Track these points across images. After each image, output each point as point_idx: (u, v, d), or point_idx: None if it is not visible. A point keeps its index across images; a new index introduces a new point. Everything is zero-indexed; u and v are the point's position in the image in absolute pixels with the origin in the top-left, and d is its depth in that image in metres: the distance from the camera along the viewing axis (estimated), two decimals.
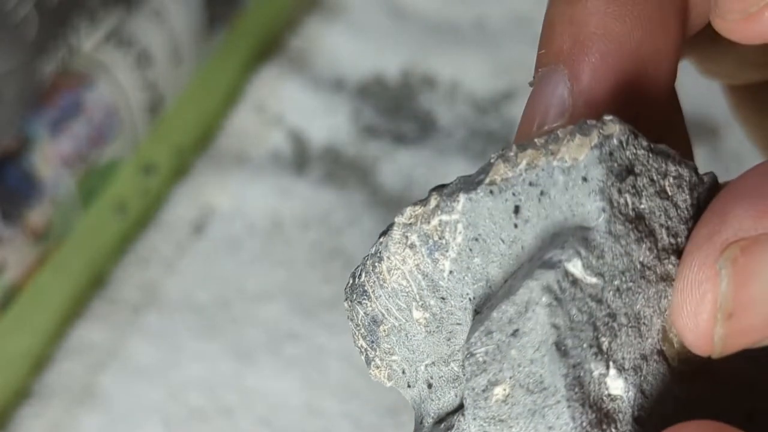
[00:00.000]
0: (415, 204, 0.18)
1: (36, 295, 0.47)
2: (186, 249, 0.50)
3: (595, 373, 0.17)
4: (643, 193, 0.17)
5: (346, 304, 0.20)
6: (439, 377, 0.19)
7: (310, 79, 0.56)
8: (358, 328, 0.19)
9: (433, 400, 0.19)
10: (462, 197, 0.18)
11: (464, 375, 0.17)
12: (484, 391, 0.17)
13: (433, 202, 0.18)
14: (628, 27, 0.18)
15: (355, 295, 0.19)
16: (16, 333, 0.46)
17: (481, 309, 0.18)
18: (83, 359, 0.46)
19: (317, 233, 0.50)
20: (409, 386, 0.19)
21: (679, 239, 0.18)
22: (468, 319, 0.18)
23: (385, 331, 0.19)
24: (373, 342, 0.19)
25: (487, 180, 0.17)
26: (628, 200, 0.17)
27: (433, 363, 0.19)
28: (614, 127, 0.17)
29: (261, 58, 0.58)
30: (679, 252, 0.18)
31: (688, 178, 0.18)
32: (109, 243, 0.50)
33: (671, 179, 0.18)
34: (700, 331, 0.16)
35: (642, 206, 0.17)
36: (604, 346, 0.17)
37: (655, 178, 0.17)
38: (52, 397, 0.45)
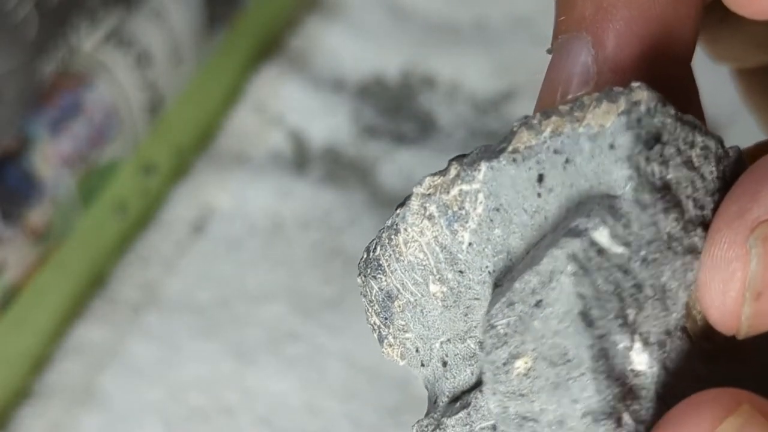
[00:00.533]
0: (433, 174, 0.18)
1: (36, 295, 0.47)
2: (186, 249, 0.50)
3: (620, 346, 0.16)
4: (670, 163, 0.17)
5: (359, 280, 0.19)
6: (455, 355, 0.18)
7: (310, 79, 0.56)
8: (372, 304, 0.19)
9: (448, 378, 0.19)
10: (483, 166, 0.17)
11: (484, 348, 0.17)
12: (504, 364, 0.16)
13: (453, 172, 0.18)
14: None
15: (369, 270, 0.19)
16: (16, 333, 0.46)
17: (501, 281, 0.17)
18: (83, 359, 0.46)
19: (317, 233, 0.50)
20: (422, 365, 0.19)
21: (705, 212, 0.17)
22: (487, 292, 0.18)
23: (399, 306, 0.18)
24: (386, 318, 0.19)
25: (510, 148, 0.17)
26: (656, 169, 0.17)
27: (448, 340, 0.18)
28: (642, 94, 0.17)
29: (261, 58, 0.58)
30: (705, 225, 0.17)
31: (714, 150, 0.17)
32: (109, 243, 0.50)
33: (698, 150, 0.17)
34: (727, 310, 0.16)
35: (669, 176, 0.17)
36: (630, 318, 0.16)
37: (681, 147, 0.17)
38: (52, 397, 0.45)
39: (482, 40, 0.58)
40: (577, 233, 0.16)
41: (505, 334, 0.16)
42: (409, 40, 0.58)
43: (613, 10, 0.17)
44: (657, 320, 0.17)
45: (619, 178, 0.16)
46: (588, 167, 0.17)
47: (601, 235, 0.16)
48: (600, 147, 0.16)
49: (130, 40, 0.48)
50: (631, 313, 0.16)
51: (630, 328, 0.16)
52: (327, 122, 0.54)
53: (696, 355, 0.17)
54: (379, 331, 0.19)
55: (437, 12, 0.60)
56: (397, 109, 0.55)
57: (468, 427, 0.18)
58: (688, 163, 0.17)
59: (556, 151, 0.17)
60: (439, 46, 0.58)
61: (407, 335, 0.19)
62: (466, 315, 0.18)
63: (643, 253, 0.16)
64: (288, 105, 0.55)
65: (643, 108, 0.16)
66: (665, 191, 0.17)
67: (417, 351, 0.19)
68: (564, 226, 0.17)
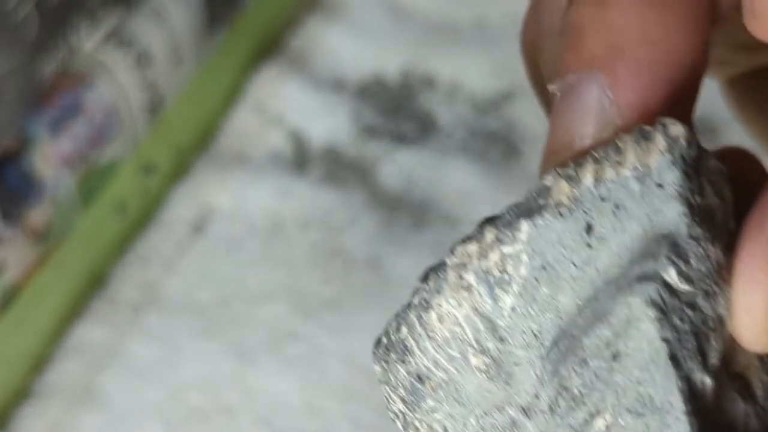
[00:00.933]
0: (464, 241, 0.17)
1: (36, 295, 0.47)
2: (186, 249, 0.50)
3: (703, 385, 0.16)
4: (705, 192, 0.17)
5: (378, 367, 0.18)
6: (492, 427, 0.18)
7: (310, 79, 0.56)
8: (395, 389, 0.18)
9: None
10: (525, 225, 0.16)
11: (556, 413, 0.16)
12: (583, 426, 0.16)
13: (489, 236, 0.17)
14: (666, 30, 0.17)
15: (393, 354, 0.18)
16: (16, 333, 0.46)
17: (556, 343, 0.17)
18: (83, 359, 0.46)
19: (317, 233, 0.50)
20: None
21: (732, 235, 0.17)
22: (531, 356, 0.17)
23: (431, 387, 0.18)
24: (413, 402, 0.18)
25: (553, 202, 0.16)
26: (699, 201, 0.17)
27: (484, 413, 0.18)
28: (678, 129, 0.16)
29: (261, 58, 0.58)
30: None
31: (725, 172, 0.17)
32: (109, 243, 0.50)
33: (716, 173, 0.17)
34: (757, 325, 0.16)
35: (707, 205, 0.17)
36: (707, 356, 0.16)
37: (711, 177, 0.17)
38: (52, 397, 0.45)
39: (482, 40, 0.58)
40: (649, 278, 0.16)
41: (581, 394, 0.16)
42: (409, 40, 0.58)
43: (627, 49, 0.17)
44: (715, 352, 0.17)
45: (672, 216, 0.16)
46: (639, 210, 0.16)
47: (670, 276, 0.16)
48: (648, 188, 0.16)
49: (130, 40, 0.48)
50: (705, 349, 0.16)
51: (707, 364, 0.16)
52: (327, 122, 0.54)
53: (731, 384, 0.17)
54: (404, 418, 0.18)
55: (437, 12, 0.60)
56: (397, 109, 0.55)
57: None
58: (716, 189, 0.17)
59: (603, 198, 0.16)
60: (439, 46, 0.58)
61: (435, 416, 0.18)
62: (506, 383, 0.17)
63: (703, 286, 0.16)
64: (288, 105, 0.55)
65: (683, 142, 0.16)
66: (709, 222, 0.17)
67: (446, 430, 0.18)
68: (625, 273, 0.16)
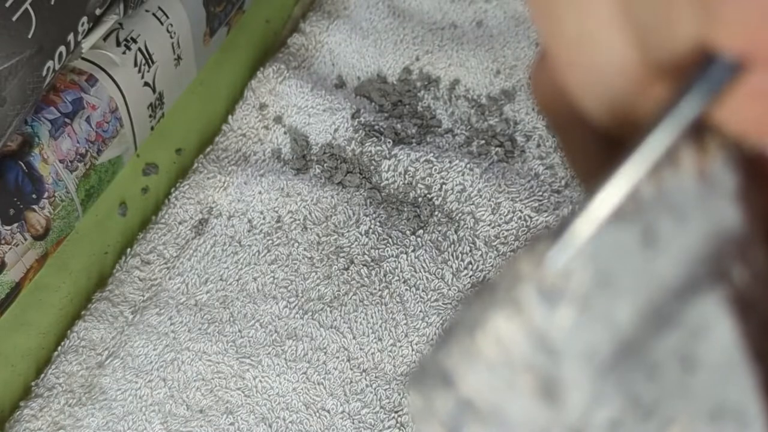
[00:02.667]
0: (518, 254, 0.16)
1: (36, 295, 0.47)
2: (186, 249, 0.50)
3: None
4: (756, 196, 0.17)
5: (417, 400, 0.17)
6: None
7: (310, 79, 0.56)
8: (433, 417, 0.17)
9: None
10: (583, 234, 0.16)
11: (621, 425, 0.16)
12: None
13: (543, 248, 0.16)
14: None
15: (432, 382, 0.17)
16: (16, 333, 0.46)
17: (617, 356, 0.16)
18: (84, 358, 0.46)
19: (317, 233, 0.50)
20: None
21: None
22: (586, 372, 0.16)
23: (475, 411, 0.17)
24: (454, 429, 0.17)
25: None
26: (753, 203, 0.17)
27: None
28: (727, 134, 0.16)
29: (261, 58, 0.58)
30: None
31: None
32: (109, 243, 0.50)
33: (762, 179, 0.17)
34: None
35: (759, 207, 0.17)
36: None
37: (758, 180, 0.17)
38: (52, 397, 0.45)
39: (482, 40, 0.58)
40: (718, 278, 0.15)
41: (652, 405, 0.15)
42: (409, 40, 0.58)
43: None
44: None
45: (729, 217, 0.16)
46: (698, 213, 0.16)
47: (737, 275, 0.16)
48: (707, 191, 0.16)
49: (130, 40, 0.48)
50: None
51: None
52: (327, 122, 0.54)
53: None
54: None
55: (437, 12, 0.60)
56: (397, 109, 0.55)
57: None
58: (760, 193, 0.17)
59: (662, 203, 0.16)
60: (439, 46, 0.58)
61: None
62: (554, 402, 0.16)
63: (764, 281, 0.16)
64: (288, 105, 0.55)
65: (730, 143, 0.16)
66: (758, 218, 0.17)
67: None
68: (694, 276, 0.16)
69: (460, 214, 0.50)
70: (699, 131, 0.16)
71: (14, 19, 0.39)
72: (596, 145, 0.18)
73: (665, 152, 0.15)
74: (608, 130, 0.17)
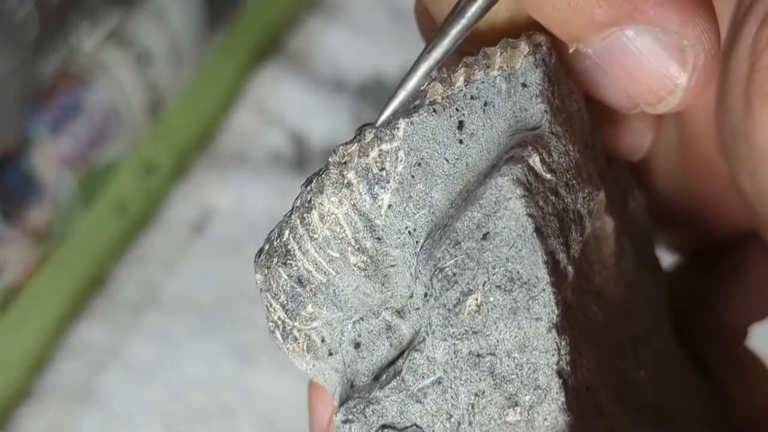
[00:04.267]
0: (346, 143, 0.18)
1: (36, 295, 0.47)
2: (186, 249, 0.50)
3: (566, 270, 0.17)
4: (563, 97, 0.18)
5: (259, 276, 0.19)
6: (369, 332, 0.18)
7: (310, 79, 0.56)
8: (277, 297, 0.18)
9: (364, 358, 0.18)
10: (402, 123, 0.17)
11: (432, 295, 0.17)
12: (456, 305, 0.16)
13: (369, 135, 0.18)
14: None
15: (275, 259, 0.18)
16: (16, 333, 0.46)
17: (430, 234, 0.17)
18: (83, 359, 0.46)
19: None
20: (330, 354, 0.19)
21: (587, 141, 0.18)
22: (406, 255, 0.17)
23: (311, 290, 0.18)
24: (294, 309, 0.18)
25: (427, 101, 0.17)
26: (558, 103, 0.18)
27: (361, 318, 0.18)
28: (540, 37, 0.18)
29: (261, 58, 0.58)
30: (595, 149, 0.19)
31: (574, 87, 0.18)
32: (109, 243, 0.50)
33: (568, 86, 0.18)
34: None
35: (566, 108, 0.18)
36: (569, 244, 0.17)
37: (563, 86, 0.18)
38: (52, 397, 0.45)
39: None
40: (516, 160, 0.17)
41: (454, 275, 0.16)
42: (409, 40, 0.58)
43: None
44: (576, 244, 0.17)
45: (535, 113, 0.17)
46: (506, 107, 0.17)
47: (535, 162, 0.17)
48: (514, 87, 0.17)
49: (130, 40, 0.48)
50: (566, 233, 0.17)
51: (568, 247, 0.17)
52: (327, 122, 0.54)
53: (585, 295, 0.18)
54: (283, 326, 0.19)
55: None
56: (397, 108, 0.55)
57: (404, 392, 0.17)
58: (570, 98, 0.18)
59: (473, 97, 0.17)
60: None
61: (314, 324, 0.18)
62: (382, 285, 0.18)
63: (564, 179, 0.17)
64: (288, 105, 0.55)
65: (544, 48, 0.17)
66: (569, 123, 0.18)
67: (323, 341, 0.18)
68: (496, 161, 0.17)
69: None
70: (513, 39, 0.18)
71: (18, 20, 0.39)
72: None
73: (457, 41, 0.17)
74: None
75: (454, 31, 0.17)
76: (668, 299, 0.22)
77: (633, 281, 0.20)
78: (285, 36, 0.59)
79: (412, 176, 0.17)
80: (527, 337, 0.16)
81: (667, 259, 0.24)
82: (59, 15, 0.43)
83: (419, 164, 0.17)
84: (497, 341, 0.16)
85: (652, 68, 0.17)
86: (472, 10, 0.17)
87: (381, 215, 0.17)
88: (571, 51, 0.17)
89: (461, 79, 0.17)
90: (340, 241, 0.18)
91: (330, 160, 0.18)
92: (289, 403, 0.45)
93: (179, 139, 0.53)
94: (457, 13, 0.17)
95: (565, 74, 0.18)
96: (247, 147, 0.54)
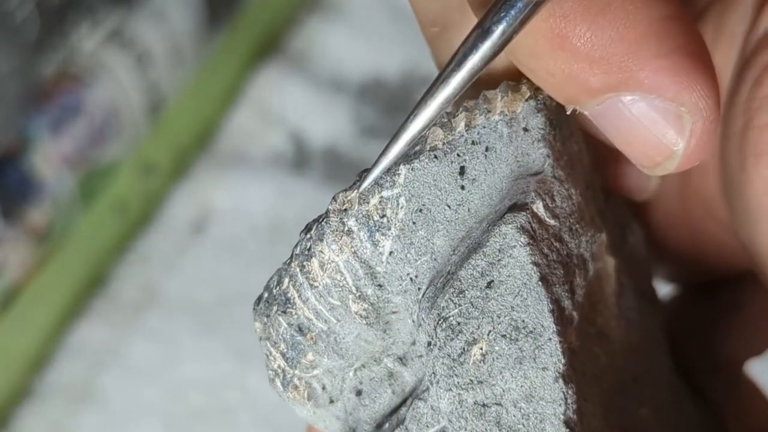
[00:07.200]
0: (345, 189, 0.17)
1: (36, 295, 0.47)
2: (186, 249, 0.50)
3: (572, 316, 0.16)
4: (565, 141, 0.18)
5: (258, 324, 0.18)
6: (370, 379, 0.18)
7: (310, 79, 0.56)
8: (276, 345, 0.18)
9: (366, 405, 0.18)
10: (403, 169, 0.17)
11: (436, 345, 0.16)
12: (461, 354, 0.16)
13: (365, 183, 0.17)
14: None
15: (275, 307, 0.18)
16: (16, 333, 0.46)
17: (433, 282, 0.17)
18: (83, 359, 0.46)
19: None
20: (331, 402, 0.18)
21: (589, 185, 0.18)
22: (408, 302, 0.17)
23: (312, 338, 0.18)
24: (294, 358, 0.18)
25: (428, 147, 0.17)
26: (560, 147, 0.17)
27: (363, 366, 0.18)
28: None
29: (261, 58, 0.58)
30: (594, 188, 0.18)
31: (579, 128, 0.18)
32: (109, 243, 0.50)
33: (574, 128, 0.18)
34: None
35: (568, 151, 0.18)
36: (574, 290, 0.17)
37: (564, 129, 0.18)
38: (52, 396, 0.45)
39: None
40: (519, 208, 0.16)
41: (458, 324, 0.16)
42: (409, 40, 0.58)
43: None
44: (580, 289, 0.17)
45: (537, 158, 0.17)
46: (508, 151, 0.17)
47: (539, 208, 0.16)
48: (516, 132, 0.17)
49: (131, 40, 0.48)
50: (571, 279, 0.17)
51: (573, 294, 0.17)
52: (327, 122, 0.54)
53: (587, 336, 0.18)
54: (283, 375, 0.18)
55: None
56: (397, 109, 0.55)
57: None
58: (571, 140, 0.18)
59: (474, 142, 0.17)
60: None
61: (315, 372, 0.18)
62: (384, 332, 0.18)
63: (568, 223, 0.17)
64: (288, 105, 0.55)
65: (546, 93, 0.17)
66: (570, 167, 0.17)
67: (324, 388, 0.18)
68: (500, 208, 0.17)
69: None
70: (514, 82, 0.17)
71: (18, 20, 0.39)
72: None
73: (459, 91, 0.16)
74: None
75: (455, 81, 0.16)
76: (666, 328, 0.21)
77: (633, 318, 0.19)
78: (285, 36, 0.59)
79: (414, 222, 0.17)
80: (534, 387, 0.16)
81: (663, 288, 0.24)
82: (59, 15, 0.43)
83: (420, 210, 0.17)
84: (503, 391, 0.16)
85: (648, 134, 0.16)
86: (474, 60, 0.16)
87: (382, 262, 0.17)
88: (568, 113, 0.17)
89: (462, 124, 0.17)
90: (340, 289, 0.17)
91: (330, 207, 0.17)
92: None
93: (179, 139, 0.53)
94: (456, 63, 0.16)
95: (566, 116, 0.17)
96: (247, 147, 0.54)
